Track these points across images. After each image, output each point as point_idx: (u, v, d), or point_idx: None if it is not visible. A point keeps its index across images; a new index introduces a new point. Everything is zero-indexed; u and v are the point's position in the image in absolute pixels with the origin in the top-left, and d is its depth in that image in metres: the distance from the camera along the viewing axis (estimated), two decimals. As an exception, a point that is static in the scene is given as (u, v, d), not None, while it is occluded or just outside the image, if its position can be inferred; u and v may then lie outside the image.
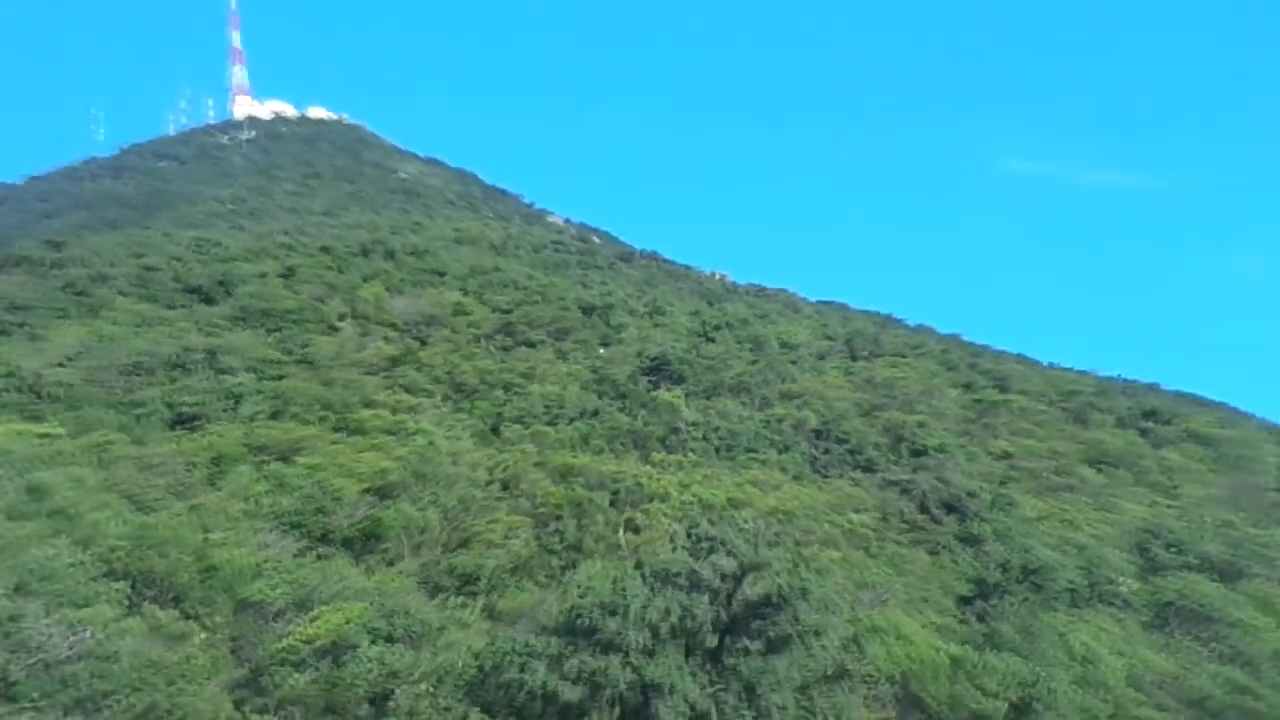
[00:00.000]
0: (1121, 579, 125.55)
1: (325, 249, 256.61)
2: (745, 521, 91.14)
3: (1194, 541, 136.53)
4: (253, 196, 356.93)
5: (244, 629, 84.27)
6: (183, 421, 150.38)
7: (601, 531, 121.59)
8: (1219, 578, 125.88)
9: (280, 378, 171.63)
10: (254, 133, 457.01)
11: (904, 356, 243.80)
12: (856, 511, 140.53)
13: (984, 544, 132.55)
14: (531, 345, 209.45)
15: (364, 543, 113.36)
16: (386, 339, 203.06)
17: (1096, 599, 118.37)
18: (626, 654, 68.08)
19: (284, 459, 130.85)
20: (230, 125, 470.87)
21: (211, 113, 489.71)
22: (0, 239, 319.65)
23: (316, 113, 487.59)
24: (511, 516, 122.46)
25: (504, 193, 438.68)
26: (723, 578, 73.91)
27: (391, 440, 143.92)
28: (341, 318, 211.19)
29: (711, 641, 73.07)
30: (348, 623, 77.43)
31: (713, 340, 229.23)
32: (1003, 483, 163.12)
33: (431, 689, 70.27)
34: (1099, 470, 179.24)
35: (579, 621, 71.86)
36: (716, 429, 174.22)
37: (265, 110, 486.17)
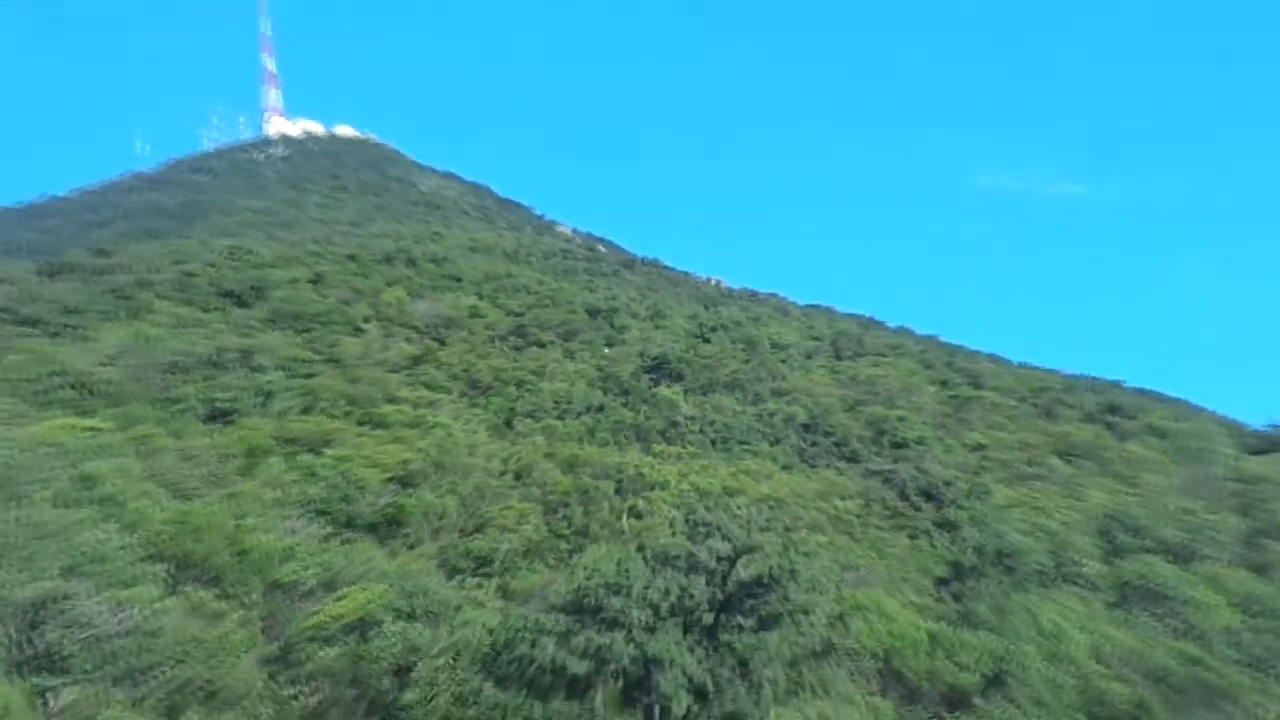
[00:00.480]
0: (1086, 561, 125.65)
1: (351, 256, 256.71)
2: (739, 508, 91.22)
3: (1153, 527, 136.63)
4: (284, 208, 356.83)
5: (275, 608, 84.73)
6: (218, 416, 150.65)
7: (606, 517, 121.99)
8: (1175, 560, 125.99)
9: (309, 375, 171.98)
10: (286, 149, 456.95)
11: (885, 356, 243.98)
12: (841, 499, 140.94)
13: (959, 529, 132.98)
14: (542, 345, 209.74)
15: (387, 528, 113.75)
16: (408, 340, 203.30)
17: (1063, 580, 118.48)
18: (629, 630, 68.23)
19: (313, 451, 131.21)
20: (264, 142, 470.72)
21: (246, 131, 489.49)
22: (52, 247, 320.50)
23: (344, 131, 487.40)
24: (523, 504, 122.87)
25: (516, 204, 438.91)
26: (718, 560, 74.08)
27: (412, 433, 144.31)
28: (366, 320, 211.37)
29: (708, 619, 73.24)
30: (372, 602, 77.86)
31: (709, 341, 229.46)
32: (977, 472, 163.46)
33: (449, 663, 70.57)
34: (1066, 461, 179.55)
35: (585, 600, 71.90)
36: (712, 423, 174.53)
37: (296, 129, 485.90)
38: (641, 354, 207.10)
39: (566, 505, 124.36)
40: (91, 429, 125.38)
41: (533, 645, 68.35)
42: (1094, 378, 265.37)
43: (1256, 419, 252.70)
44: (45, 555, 71.84)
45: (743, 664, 69.71)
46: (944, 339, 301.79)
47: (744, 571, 74.01)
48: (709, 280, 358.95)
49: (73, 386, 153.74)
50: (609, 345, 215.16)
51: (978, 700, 79.41)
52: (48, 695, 61.53)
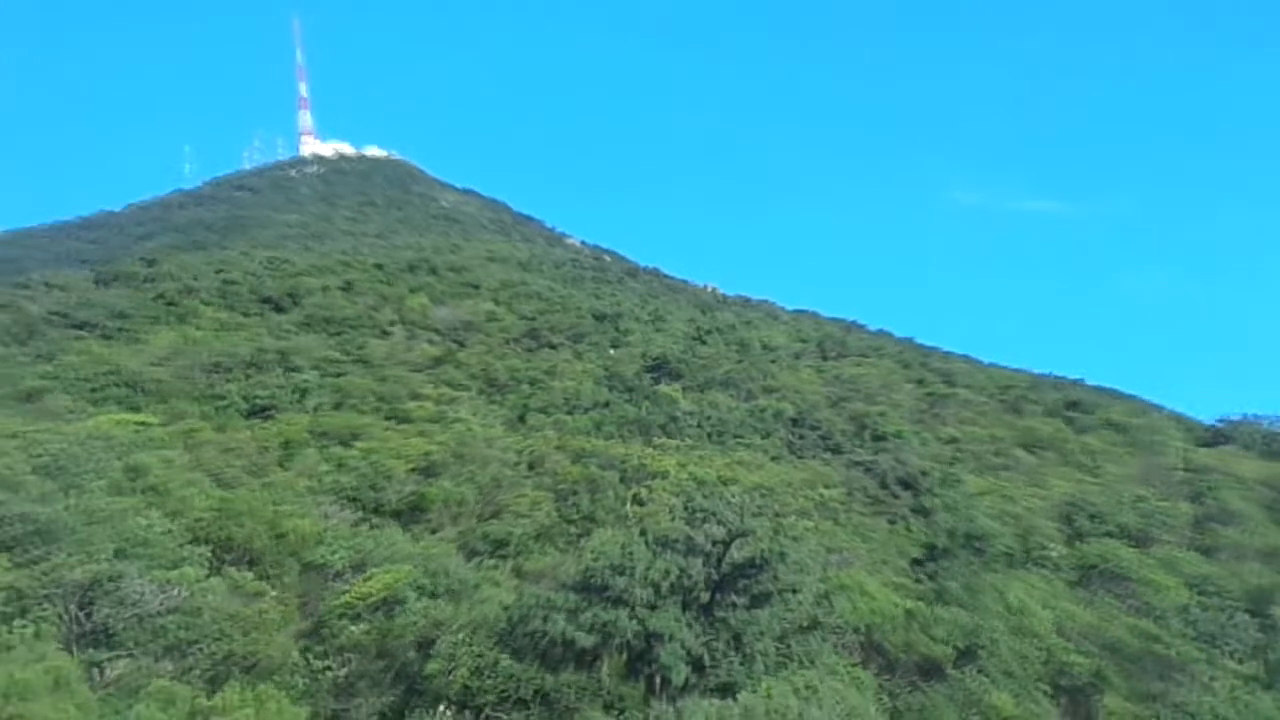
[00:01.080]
0: (1050, 544, 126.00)
1: (378, 266, 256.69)
2: (733, 496, 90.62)
3: (1111, 513, 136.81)
4: (317, 222, 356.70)
5: (309, 587, 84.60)
6: (257, 412, 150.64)
7: (611, 504, 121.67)
8: (1132, 543, 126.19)
9: (340, 375, 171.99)
10: (319, 168, 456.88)
11: (866, 357, 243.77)
12: (826, 487, 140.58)
13: (934, 515, 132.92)
14: (553, 347, 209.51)
15: (411, 514, 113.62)
16: (430, 342, 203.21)
17: (1029, 561, 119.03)
18: (633, 607, 68.59)
19: (343, 443, 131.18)
20: (298, 162, 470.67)
21: (283, 151, 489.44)
22: (106, 257, 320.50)
23: (372, 151, 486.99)
24: (536, 492, 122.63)
25: (529, 219, 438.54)
26: (714, 543, 74.17)
27: (434, 427, 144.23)
28: (392, 324, 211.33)
29: (704, 597, 73.44)
30: (397, 581, 77.61)
31: (705, 343, 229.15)
32: (950, 463, 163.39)
33: (468, 637, 70.30)
34: (1031, 452, 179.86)
35: (592, 580, 72.40)
36: (709, 417, 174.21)
37: (328, 149, 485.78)
38: (644, 355, 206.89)
39: (575, 493, 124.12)
40: (141, 423, 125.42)
41: (544, 621, 68.78)
42: (1057, 376, 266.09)
43: (1206, 414, 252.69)
44: (98, 539, 71.71)
45: (736, 638, 70.15)
46: (920, 341, 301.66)
47: (737, 554, 74.09)
48: (705, 287, 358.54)
49: (124, 385, 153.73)
50: (614, 347, 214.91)
51: (950, 670, 79.32)
52: (100, 667, 61.35)
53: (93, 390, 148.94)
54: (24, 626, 60.20)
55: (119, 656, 62.55)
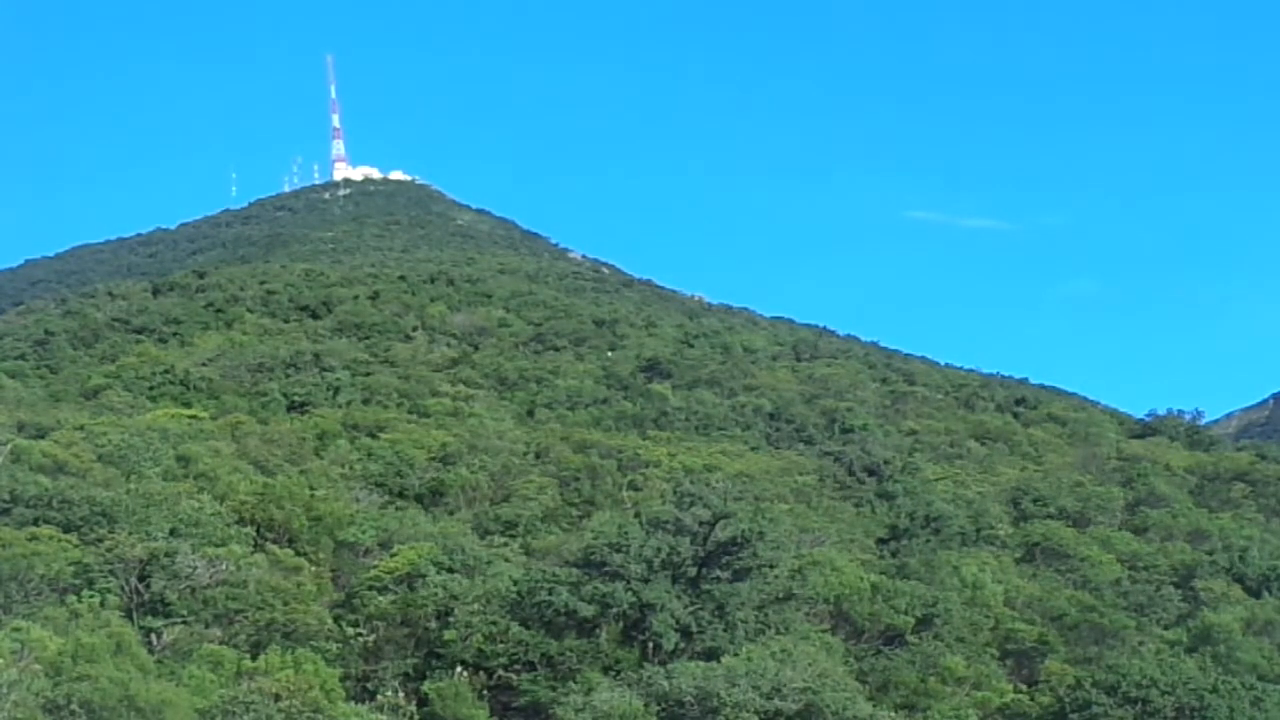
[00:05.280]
0: (999, 525, 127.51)
1: (402, 277, 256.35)
2: (717, 482, 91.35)
3: (1054, 497, 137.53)
4: (348, 238, 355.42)
5: (341, 563, 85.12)
6: (295, 407, 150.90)
7: (610, 489, 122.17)
8: (1072, 524, 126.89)
9: (368, 374, 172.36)
10: (349, 191, 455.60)
11: (836, 358, 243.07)
12: (800, 474, 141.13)
13: (896, 499, 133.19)
14: (557, 350, 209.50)
15: (431, 497, 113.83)
16: (448, 345, 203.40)
17: (980, 540, 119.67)
18: (628, 581, 68.99)
19: (371, 435, 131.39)
20: (331, 185, 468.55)
21: (318, 175, 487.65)
22: (160, 269, 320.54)
23: (396, 175, 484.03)
24: (542, 478, 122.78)
25: (536, 235, 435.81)
26: (700, 524, 74.40)
27: (452, 421, 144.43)
28: (414, 329, 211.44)
29: (692, 572, 74.07)
30: (419, 558, 77.75)
31: (693, 346, 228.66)
32: (910, 453, 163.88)
33: (482, 607, 70.74)
34: (982, 443, 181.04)
35: (593, 557, 73.14)
36: (695, 412, 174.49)
37: (358, 173, 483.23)
38: (638, 357, 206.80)
39: (577, 480, 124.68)
40: (192, 417, 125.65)
41: (550, 593, 69.56)
42: (1005, 376, 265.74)
43: (1137, 409, 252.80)
44: (154, 520, 71.94)
45: (720, 608, 71.06)
46: (884, 344, 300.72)
47: (721, 533, 74.33)
48: (693, 296, 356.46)
49: (177, 383, 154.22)
50: (611, 350, 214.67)
51: (910, 637, 79.84)
52: (156, 633, 61.58)
53: (149, 388, 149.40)
54: (90, 597, 60.57)
55: (173, 624, 62.85)
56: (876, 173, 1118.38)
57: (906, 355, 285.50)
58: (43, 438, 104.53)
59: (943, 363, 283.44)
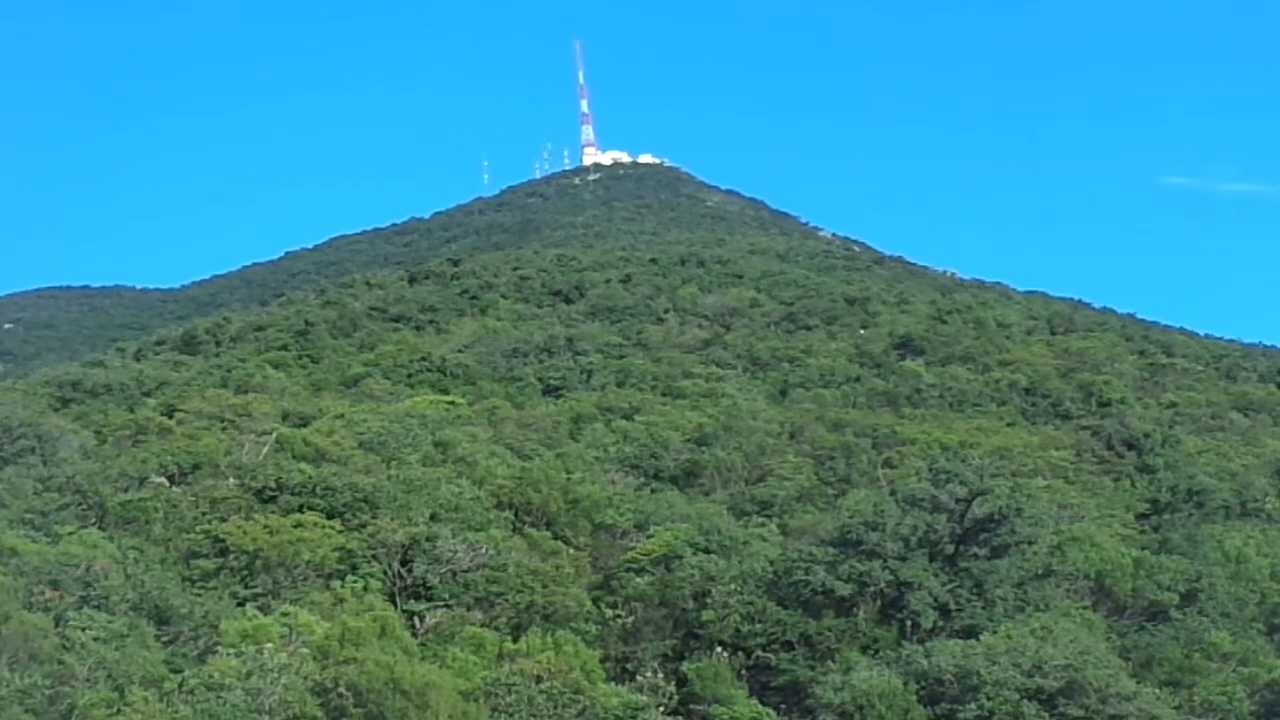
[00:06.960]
0: (1266, 498, 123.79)
1: (653, 260, 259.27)
2: (973, 458, 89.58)
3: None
4: (598, 223, 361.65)
5: (599, 545, 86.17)
6: (550, 391, 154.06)
7: (865, 468, 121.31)
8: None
9: (622, 357, 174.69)
10: (599, 175, 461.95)
11: (1092, 331, 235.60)
12: (1057, 450, 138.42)
13: (1157, 473, 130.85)
14: (809, 329, 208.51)
15: (686, 479, 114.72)
16: (700, 326, 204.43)
17: (1245, 514, 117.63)
18: (885, 560, 69.72)
19: (626, 417, 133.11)
20: (581, 170, 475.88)
21: (568, 161, 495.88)
22: (415, 258, 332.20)
23: (646, 159, 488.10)
24: (797, 458, 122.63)
25: (785, 215, 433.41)
26: (957, 501, 74.61)
27: (705, 402, 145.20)
28: (666, 311, 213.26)
29: (949, 549, 74.24)
30: (676, 539, 78.35)
31: (945, 322, 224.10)
32: (1170, 426, 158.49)
33: (739, 587, 71.22)
34: (1245, 415, 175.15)
35: (849, 535, 73.62)
36: (949, 389, 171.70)
37: (607, 158, 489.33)
38: (890, 334, 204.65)
39: (832, 458, 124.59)
40: (449, 403, 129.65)
41: (806, 572, 70.52)
42: (1267, 345, 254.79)
43: None
44: (415, 505, 74.10)
45: (978, 585, 71.68)
46: (1141, 316, 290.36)
47: (978, 510, 74.62)
48: (944, 272, 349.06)
49: (434, 369, 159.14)
50: (863, 328, 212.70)
51: (1174, 613, 79.52)
52: (419, 616, 63.23)
53: (407, 375, 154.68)
54: (354, 582, 62.72)
55: (435, 607, 64.65)
56: (1127, 139, 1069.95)
57: (1164, 326, 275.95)
58: (305, 426, 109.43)
59: (1202, 333, 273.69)
